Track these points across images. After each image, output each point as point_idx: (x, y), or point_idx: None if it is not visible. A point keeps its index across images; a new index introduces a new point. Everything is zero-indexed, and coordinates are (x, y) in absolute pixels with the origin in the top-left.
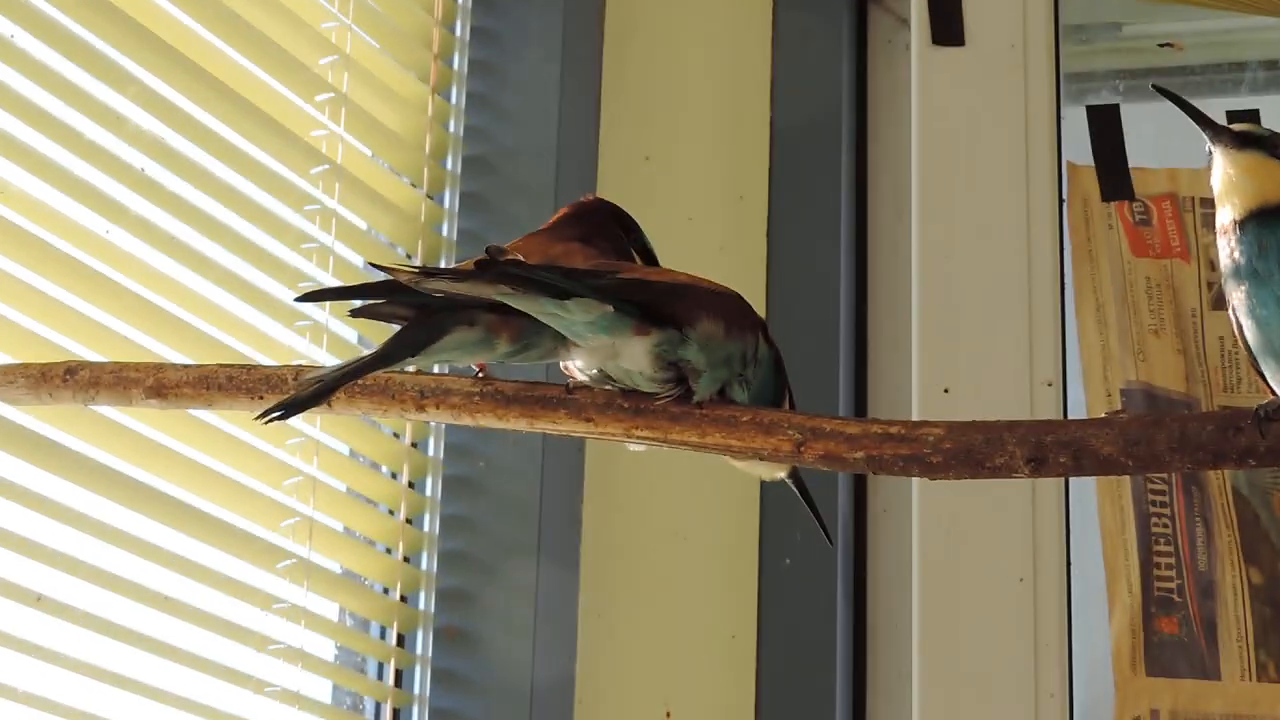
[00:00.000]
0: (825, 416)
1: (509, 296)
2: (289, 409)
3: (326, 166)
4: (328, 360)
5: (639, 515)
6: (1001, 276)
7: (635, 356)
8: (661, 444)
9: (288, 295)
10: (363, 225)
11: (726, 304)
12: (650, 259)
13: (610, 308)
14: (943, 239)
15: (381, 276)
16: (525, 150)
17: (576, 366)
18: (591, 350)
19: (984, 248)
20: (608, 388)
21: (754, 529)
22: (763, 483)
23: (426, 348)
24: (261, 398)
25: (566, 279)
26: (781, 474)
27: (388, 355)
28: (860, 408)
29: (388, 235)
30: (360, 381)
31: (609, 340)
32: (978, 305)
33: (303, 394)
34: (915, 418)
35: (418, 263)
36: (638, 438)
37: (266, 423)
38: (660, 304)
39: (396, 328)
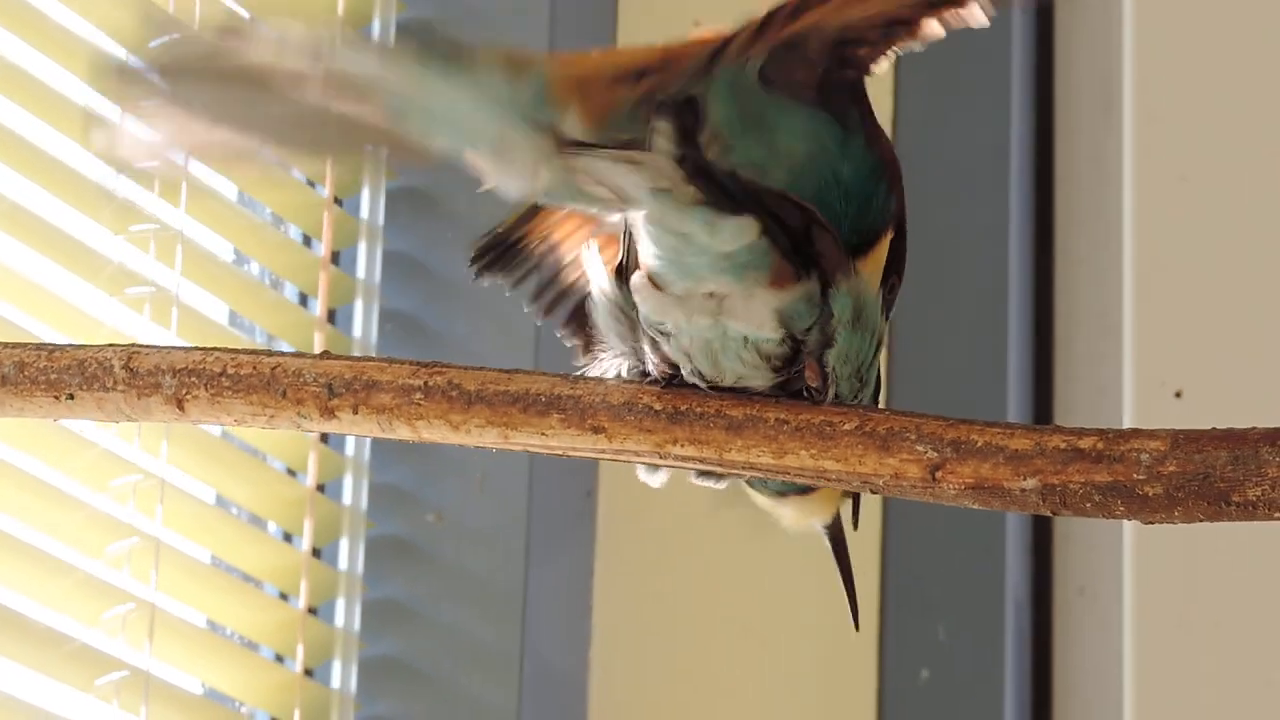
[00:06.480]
0: (975, 423)
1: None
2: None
3: None
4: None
5: (684, 596)
6: (1263, 212)
7: (755, 314)
8: (713, 469)
9: (104, 240)
10: None
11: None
12: None
13: (759, 233)
14: (1172, 152)
15: None
16: None
17: (606, 316)
18: (684, 300)
19: (1236, 166)
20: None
21: (871, 618)
22: (886, 545)
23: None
24: (71, 397)
25: (738, 183)
26: (820, 522)
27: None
28: (1041, 415)
29: None
30: (231, 368)
31: (735, 285)
32: (1226, 260)
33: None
34: None
35: None
36: (675, 457)
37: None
38: (810, 235)
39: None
